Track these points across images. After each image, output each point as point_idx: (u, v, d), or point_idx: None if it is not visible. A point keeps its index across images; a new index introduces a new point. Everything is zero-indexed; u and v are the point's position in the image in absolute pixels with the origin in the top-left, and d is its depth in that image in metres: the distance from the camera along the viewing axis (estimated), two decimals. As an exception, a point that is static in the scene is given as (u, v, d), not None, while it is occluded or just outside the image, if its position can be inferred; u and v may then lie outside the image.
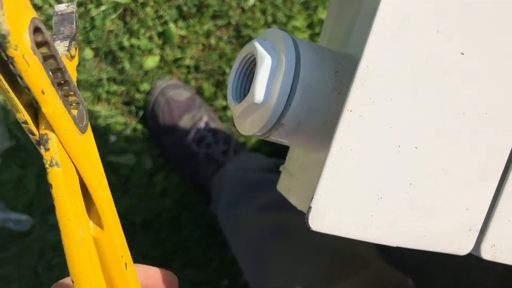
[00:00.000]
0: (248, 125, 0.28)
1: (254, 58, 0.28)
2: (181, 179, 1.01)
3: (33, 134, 0.21)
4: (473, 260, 0.65)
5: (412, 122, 0.24)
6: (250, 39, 1.00)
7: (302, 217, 0.72)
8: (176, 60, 0.97)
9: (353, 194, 0.24)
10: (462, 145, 0.25)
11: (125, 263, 0.24)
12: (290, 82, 0.25)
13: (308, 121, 0.27)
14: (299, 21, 1.04)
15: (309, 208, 0.23)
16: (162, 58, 0.96)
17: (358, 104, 0.23)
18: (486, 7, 0.24)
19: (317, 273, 0.74)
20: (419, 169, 0.25)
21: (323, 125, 0.27)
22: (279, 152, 1.00)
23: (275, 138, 0.28)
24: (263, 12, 1.02)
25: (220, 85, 0.99)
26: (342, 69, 0.27)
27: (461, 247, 0.28)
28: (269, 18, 1.02)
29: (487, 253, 0.28)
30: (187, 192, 1.03)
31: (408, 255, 0.74)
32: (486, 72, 0.25)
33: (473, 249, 0.28)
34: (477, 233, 0.28)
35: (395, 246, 0.26)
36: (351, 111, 0.23)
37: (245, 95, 0.28)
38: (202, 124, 0.95)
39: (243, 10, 1.00)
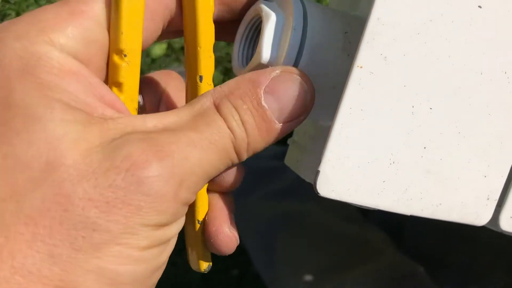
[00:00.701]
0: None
1: (260, 21, 0.27)
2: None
3: None
4: (484, 246, 0.63)
5: (426, 81, 0.23)
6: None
7: (312, 203, 0.71)
8: (183, 48, 0.97)
9: (364, 158, 0.22)
10: (480, 107, 0.24)
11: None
12: (299, 39, 0.24)
13: (317, 84, 0.25)
14: None
15: (317, 172, 0.22)
16: (169, 46, 0.95)
17: (368, 59, 0.21)
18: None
19: (327, 261, 0.73)
20: (434, 132, 0.23)
21: (332, 89, 0.25)
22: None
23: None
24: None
25: (228, 72, 0.98)
26: (352, 30, 0.26)
27: (479, 217, 0.26)
28: None
29: (506, 224, 0.27)
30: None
31: (420, 242, 0.72)
32: (505, 29, 0.23)
33: (491, 221, 0.27)
34: (495, 202, 0.26)
35: (409, 214, 0.24)
36: (361, 67, 0.21)
37: (251, 59, 0.27)
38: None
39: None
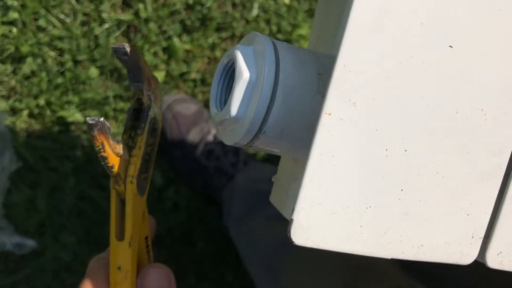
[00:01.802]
0: (229, 134, 0.27)
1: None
2: (193, 192, 1.00)
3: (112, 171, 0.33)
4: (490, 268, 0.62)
5: (399, 124, 0.22)
6: (255, 49, 0.99)
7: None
8: (182, 74, 0.97)
9: (338, 204, 0.22)
10: (457, 145, 0.24)
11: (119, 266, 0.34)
12: (269, 95, 0.24)
13: (292, 126, 0.25)
14: (304, 29, 1.03)
15: (291, 220, 0.22)
16: (168, 73, 0.96)
17: (337, 106, 0.21)
18: (473, -5, 0.22)
19: (332, 284, 0.72)
20: (411, 174, 0.23)
21: (308, 130, 0.25)
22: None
23: (258, 146, 0.26)
24: (267, 22, 1.01)
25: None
26: (326, 71, 0.25)
27: (464, 256, 0.25)
28: (274, 28, 1.01)
29: (493, 261, 0.26)
30: (199, 206, 1.01)
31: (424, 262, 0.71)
32: (480, 67, 0.23)
33: (478, 257, 0.26)
34: (481, 240, 0.26)
35: (389, 258, 0.24)
36: (329, 114, 0.21)
37: (226, 101, 0.27)
38: (210, 137, 0.94)
39: (247, 21, 1.00)
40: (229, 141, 0.27)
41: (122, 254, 0.33)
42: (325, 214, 0.22)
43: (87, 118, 0.28)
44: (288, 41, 1.02)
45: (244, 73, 0.25)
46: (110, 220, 0.34)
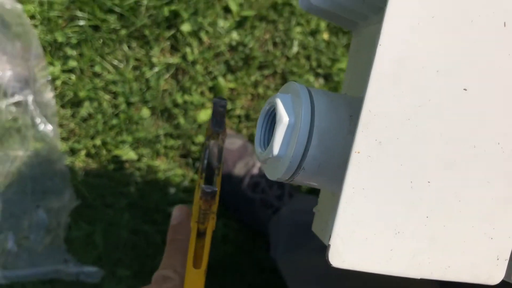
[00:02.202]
0: (272, 170, 0.30)
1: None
2: (240, 225, 1.03)
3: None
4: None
5: (421, 158, 0.25)
6: (296, 85, 1.03)
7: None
8: (227, 111, 1.02)
9: (369, 230, 0.25)
10: (476, 176, 0.26)
11: None
12: (306, 136, 0.27)
13: (327, 163, 0.28)
14: (344, 63, 1.06)
15: (328, 246, 0.25)
16: (214, 111, 1.01)
17: (365, 145, 0.25)
18: (483, 43, 0.25)
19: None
20: (435, 202, 0.26)
21: (342, 166, 0.28)
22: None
23: (299, 181, 0.30)
24: (307, 58, 1.05)
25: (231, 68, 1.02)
26: (356, 113, 0.29)
27: (491, 277, 0.28)
28: (314, 63, 1.05)
29: (520, 282, 0.28)
30: (247, 238, 1.04)
31: None
32: (493, 105, 0.26)
33: (505, 277, 0.28)
34: (506, 262, 0.28)
35: (419, 278, 0.26)
36: (358, 152, 0.25)
37: (269, 142, 0.31)
38: (255, 170, 0.98)
39: (288, 58, 1.04)
40: (272, 176, 0.30)
41: (197, 280, 0.39)
42: (359, 240, 0.25)
43: (204, 187, 0.36)
44: (328, 75, 1.06)
45: (283, 118, 0.28)
46: (189, 251, 0.39)
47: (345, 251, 0.25)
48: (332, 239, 0.25)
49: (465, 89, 0.25)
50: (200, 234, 0.40)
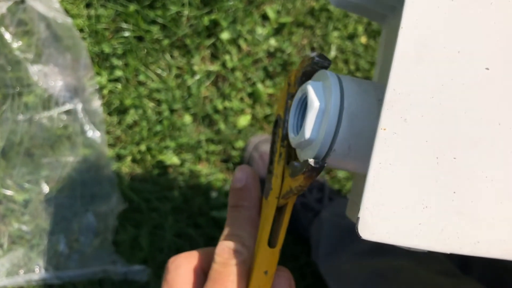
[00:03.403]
0: (305, 153, 0.32)
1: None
2: (281, 229, 1.04)
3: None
4: None
5: (446, 135, 0.26)
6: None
7: (404, 258, 0.71)
8: (266, 117, 1.04)
9: (398, 205, 0.26)
10: (502, 153, 0.27)
11: (266, 271, 0.36)
12: (336, 119, 0.29)
13: (357, 144, 0.30)
14: (382, 67, 1.06)
15: (357, 218, 0.26)
16: (253, 116, 1.03)
17: (390, 123, 0.26)
18: (502, 23, 0.26)
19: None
20: (461, 178, 0.27)
21: (372, 148, 0.30)
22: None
23: (331, 163, 0.32)
24: (346, 62, 1.06)
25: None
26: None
27: (521, 253, 0.28)
28: (352, 67, 1.06)
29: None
30: (288, 242, 1.06)
31: None
32: (517, 84, 0.27)
33: (536, 255, 0.29)
34: (536, 238, 0.29)
35: (448, 252, 0.27)
36: (384, 129, 0.26)
37: (302, 128, 0.33)
38: (295, 174, 0.99)
39: (326, 63, 1.06)
40: (306, 158, 0.32)
41: (271, 260, 0.35)
42: (387, 213, 0.26)
43: (311, 160, 0.30)
44: (367, 78, 1.07)
45: (314, 103, 0.30)
46: (263, 228, 0.36)
47: (374, 224, 0.26)
48: (361, 211, 0.26)
49: (487, 68, 0.26)
50: (278, 209, 0.36)
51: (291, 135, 0.33)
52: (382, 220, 0.26)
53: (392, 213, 0.27)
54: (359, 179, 0.36)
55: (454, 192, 0.27)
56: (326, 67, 0.33)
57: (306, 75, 0.35)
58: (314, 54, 0.32)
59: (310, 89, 0.31)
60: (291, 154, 0.36)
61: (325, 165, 0.31)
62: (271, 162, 0.38)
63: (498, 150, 0.27)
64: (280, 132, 0.37)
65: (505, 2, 0.26)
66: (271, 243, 0.36)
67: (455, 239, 0.27)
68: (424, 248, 0.27)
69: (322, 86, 0.31)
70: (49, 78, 0.92)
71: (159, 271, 1.02)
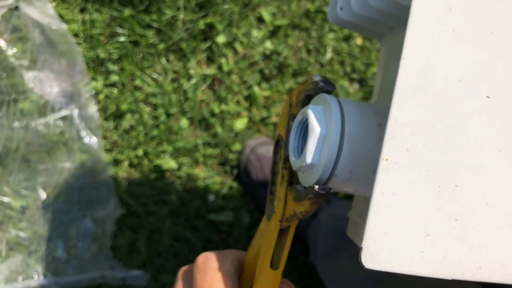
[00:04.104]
0: (306, 178, 0.32)
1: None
2: (279, 231, 1.05)
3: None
4: None
5: (447, 163, 0.26)
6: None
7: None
8: (263, 119, 1.04)
9: (400, 233, 0.27)
10: (503, 179, 0.27)
11: None
12: (337, 145, 0.29)
13: (359, 170, 0.30)
14: (378, 68, 1.06)
15: (360, 248, 0.26)
16: (250, 119, 1.03)
17: (392, 153, 0.26)
18: (502, 52, 0.26)
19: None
20: (463, 205, 0.27)
21: (373, 172, 0.30)
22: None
23: (332, 187, 0.32)
24: (341, 63, 1.06)
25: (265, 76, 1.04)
26: (385, 121, 0.30)
27: (522, 277, 0.29)
28: (348, 69, 1.06)
29: (551, 282, 0.29)
30: (286, 244, 1.06)
31: None
32: (518, 110, 0.27)
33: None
34: (537, 262, 0.29)
35: (450, 279, 0.28)
36: (387, 160, 0.26)
37: (303, 151, 0.33)
38: (292, 177, 0.99)
39: (322, 65, 1.06)
40: (307, 183, 0.32)
41: (274, 281, 0.36)
42: (390, 242, 0.27)
43: (317, 188, 0.30)
44: (363, 79, 1.07)
45: (316, 128, 0.30)
46: (266, 251, 0.36)
47: (377, 253, 0.26)
48: (364, 241, 0.26)
49: (488, 97, 0.26)
50: (280, 231, 0.37)
51: (292, 158, 0.33)
52: (384, 249, 0.27)
53: (394, 242, 0.27)
54: (359, 199, 0.36)
55: (456, 220, 0.27)
56: (330, 92, 0.33)
57: (309, 98, 0.35)
58: (318, 78, 0.31)
59: (311, 114, 0.31)
60: (293, 175, 0.36)
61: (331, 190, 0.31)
62: (273, 183, 0.38)
63: (498, 177, 0.27)
64: (282, 153, 0.37)
65: (505, 31, 0.26)
66: (273, 265, 0.36)
67: (457, 265, 0.28)
68: (426, 275, 0.27)
69: (322, 110, 0.31)
70: (44, 84, 0.91)
71: (157, 275, 1.02)
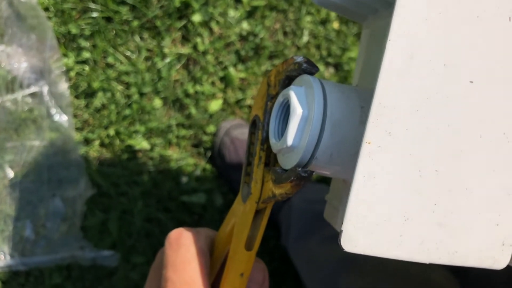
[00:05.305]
0: (286, 160, 0.32)
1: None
2: (251, 214, 1.05)
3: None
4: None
5: (429, 148, 0.26)
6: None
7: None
8: (238, 101, 1.03)
9: (380, 217, 0.26)
10: (483, 165, 0.27)
11: (242, 273, 0.36)
12: (319, 127, 0.28)
13: (339, 153, 0.30)
14: (354, 52, 1.07)
15: (340, 231, 0.26)
16: (225, 101, 1.02)
17: (375, 136, 0.26)
18: (488, 37, 0.26)
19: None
20: (442, 190, 0.27)
21: (353, 155, 0.30)
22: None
23: (313, 169, 0.31)
24: (318, 47, 1.06)
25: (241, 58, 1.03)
26: (367, 104, 0.30)
27: (496, 262, 0.29)
28: (324, 52, 1.06)
29: (524, 266, 0.29)
30: (258, 226, 1.06)
31: (485, 283, 0.72)
32: (498, 97, 0.27)
33: (510, 262, 0.30)
34: (511, 247, 0.29)
35: (428, 262, 0.28)
36: (369, 143, 0.26)
37: (283, 133, 0.32)
38: (266, 160, 0.99)
39: (298, 48, 1.05)
40: (286, 166, 0.32)
41: (248, 262, 0.36)
42: (370, 225, 0.26)
43: (299, 170, 0.29)
44: (338, 64, 1.07)
45: (297, 110, 0.30)
46: (241, 232, 0.36)
47: (357, 236, 0.26)
48: (344, 224, 0.26)
49: (471, 82, 0.26)
50: (256, 213, 0.36)
51: (272, 140, 0.33)
52: (364, 233, 0.26)
53: (374, 225, 0.27)
54: (337, 182, 0.36)
55: (435, 204, 0.27)
56: (313, 74, 0.32)
57: (290, 79, 0.34)
58: (300, 59, 0.30)
59: (293, 95, 0.31)
60: (270, 157, 0.36)
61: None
62: (249, 164, 0.37)
63: (479, 162, 0.28)
64: (259, 135, 0.36)
65: (490, 16, 0.26)
66: (248, 246, 0.36)
67: (435, 250, 0.28)
68: (405, 259, 0.28)
69: (304, 92, 0.31)
70: (12, 59, 0.88)
71: (128, 256, 1.01)
